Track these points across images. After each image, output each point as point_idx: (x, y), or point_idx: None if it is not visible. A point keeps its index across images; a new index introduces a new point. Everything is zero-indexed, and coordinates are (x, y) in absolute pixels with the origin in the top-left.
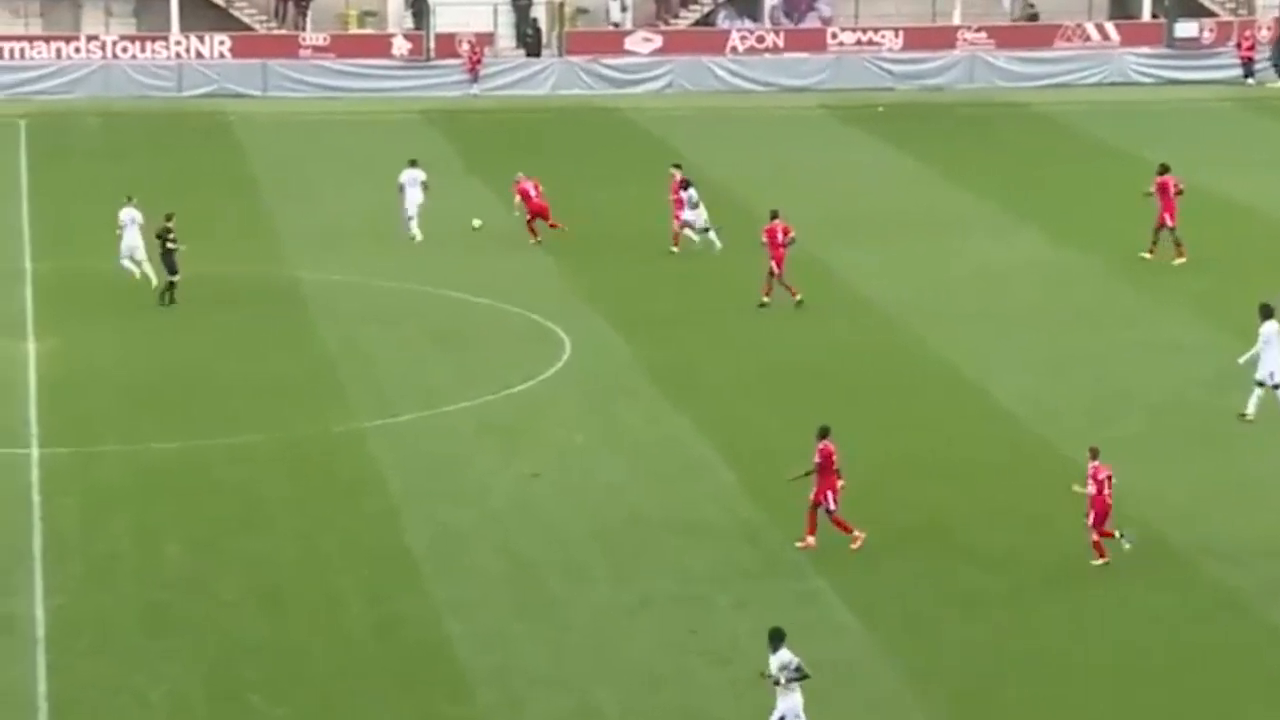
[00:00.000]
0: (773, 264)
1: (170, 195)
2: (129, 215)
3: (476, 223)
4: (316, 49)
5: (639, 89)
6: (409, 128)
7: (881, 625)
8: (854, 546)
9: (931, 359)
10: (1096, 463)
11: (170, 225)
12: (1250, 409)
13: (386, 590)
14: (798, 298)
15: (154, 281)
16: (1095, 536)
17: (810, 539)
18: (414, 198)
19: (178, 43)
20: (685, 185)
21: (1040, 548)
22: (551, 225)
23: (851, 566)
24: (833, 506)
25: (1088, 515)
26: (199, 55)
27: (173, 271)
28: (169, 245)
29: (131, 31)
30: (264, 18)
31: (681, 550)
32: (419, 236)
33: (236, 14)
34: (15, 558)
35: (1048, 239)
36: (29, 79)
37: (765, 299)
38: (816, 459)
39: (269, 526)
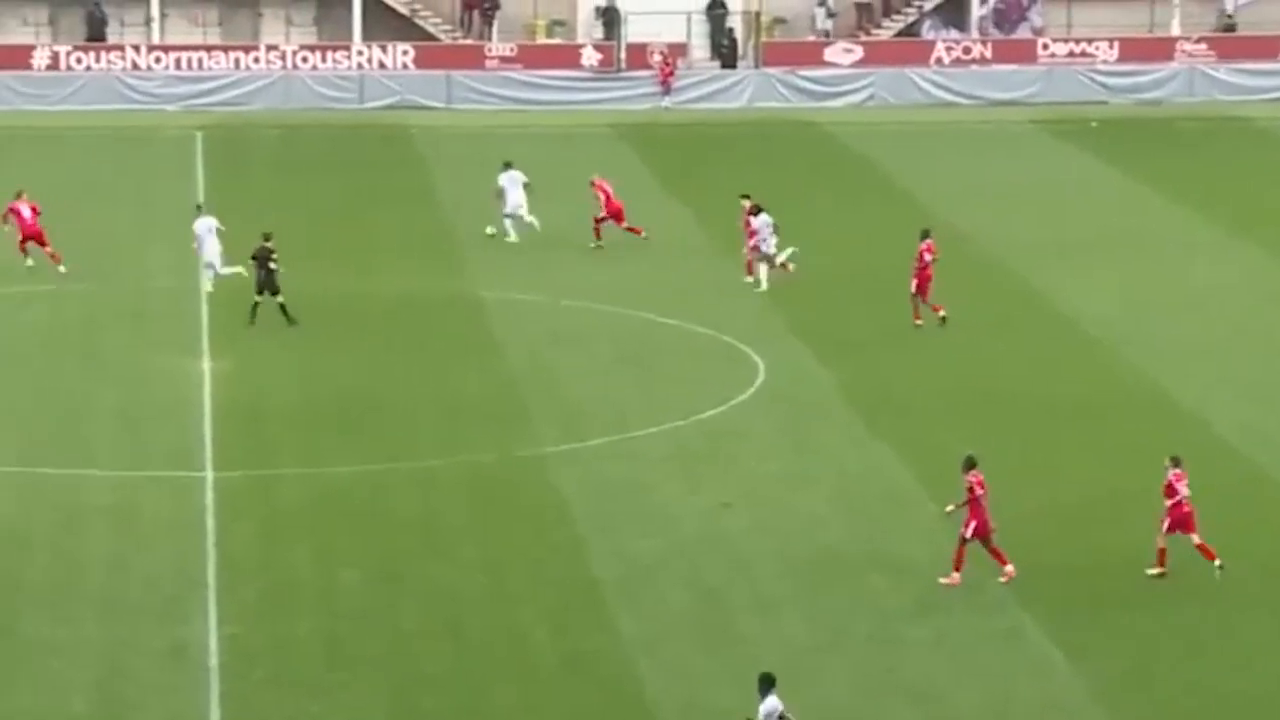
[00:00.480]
0: (914, 283)
1: (350, 210)
2: (206, 225)
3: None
4: (503, 60)
5: (838, 102)
6: (597, 141)
7: (1092, 664)
8: (1002, 580)
9: (1144, 384)
10: (1177, 470)
11: (270, 245)
12: None
13: (571, 622)
14: (941, 314)
15: (245, 272)
16: (1161, 544)
17: (955, 575)
18: (515, 200)
19: (359, 53)
20: (756, 212)
21: (1267, 586)
22: (630, 230)
23: (1058, 602)
24: (974, 536)
25: (1162, 521)
26: (381, 66)
27: (275, 292)
28: (271, 266)
29: (312, 41)
30: (449, 27)
31: (878, 585)
32: (514, 237)
33: (420, 23)
34: (189, 584)
35: (1270, 260)
36: (206, 90)
37: (918, 321)
38: (971, 491)
39: (450, 554)
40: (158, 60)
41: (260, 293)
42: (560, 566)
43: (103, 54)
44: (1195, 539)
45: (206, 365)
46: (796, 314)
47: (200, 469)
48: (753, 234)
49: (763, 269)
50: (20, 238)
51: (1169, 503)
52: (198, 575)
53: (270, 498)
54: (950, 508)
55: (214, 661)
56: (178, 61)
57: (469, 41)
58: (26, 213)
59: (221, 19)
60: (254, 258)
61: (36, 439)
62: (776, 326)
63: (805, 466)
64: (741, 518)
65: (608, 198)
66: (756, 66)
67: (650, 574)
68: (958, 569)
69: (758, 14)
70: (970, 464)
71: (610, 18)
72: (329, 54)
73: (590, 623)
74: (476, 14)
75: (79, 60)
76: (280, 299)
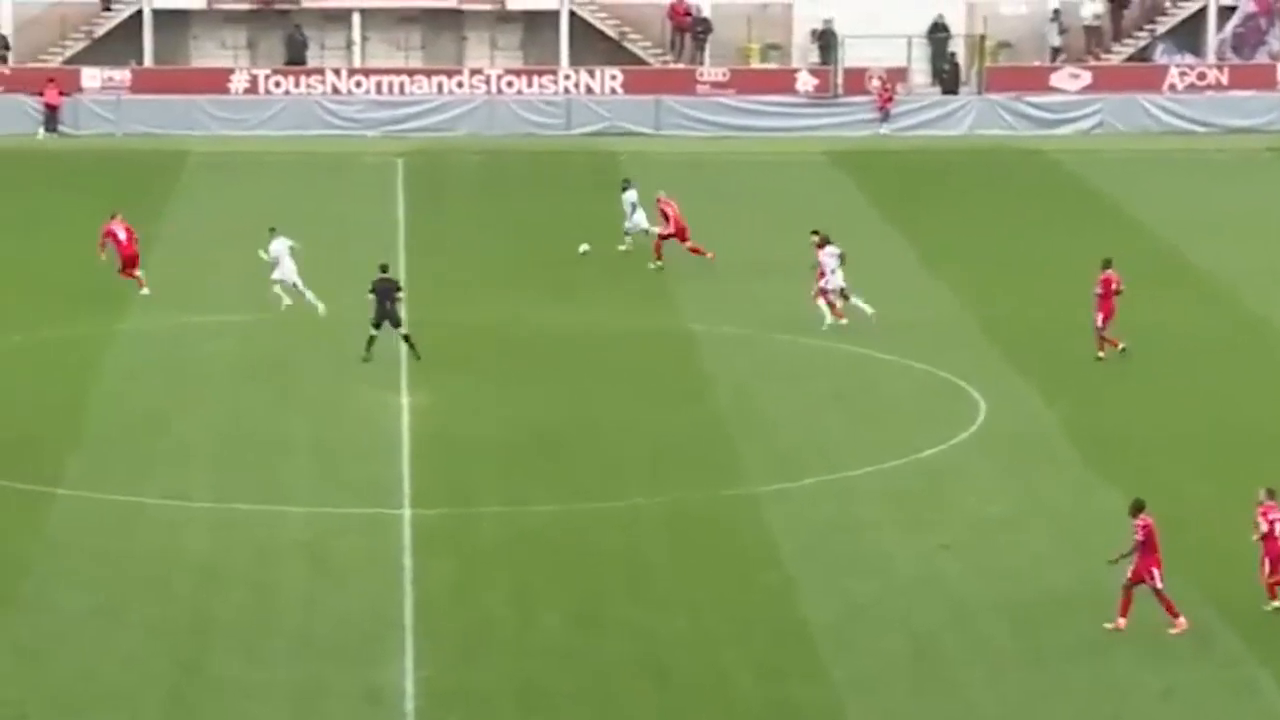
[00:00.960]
0: (1098, 315)
1: (554, 238)
2: (281, 245)
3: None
4: (714, 84)
5: (1065, 129)
6: (812, 169)
7: None
8: (1173, 632)
9: None
10: (1272, 502)
11: (391, 277)
12: None
13: (779, 666)
14: (1120, 347)
15: (320, 309)
16: (1274, 579)
17: (1121, 621)
18: (640, 220)
19: (566, 77)
20: (824, 244)
21: None
22: (693, 250)
23: None
24: (1159, 584)
25: (1261, 562)
26: (589, 90)
27: (396, 324)
28: (397, 298)
29: (517, 65)
30: (658, 50)
31: (1103, 632)
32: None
33: (629, 46)
34: (384, 625)
35: None
36: (408, 115)
37: (1100, 354)
38: (1139, 535)
39: (654, 596)
40: (358, 84)
41: (378, 325)
42: (768, 609)
43: (302, 78)
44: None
45: (405, 399)
46: (1018, 348)
47: (398, 506)
48: (822, 273)
49: (822, 303)
50: (119, 264)
51: (1263, 533)
52: (394, 616)
53: (469, 536)
54: (1115, 557)
55: (410, 706)
56: (379, 86)
57: (679, 65)
58: (122, 235)
59: (424, 42)
60: (374, 291)
61: (231, 474)
62: (997, 361)
63: (1027, 507)
64: (960, 560)
65: (673, 217)
66: (979, 92)
67: (863, 618)
68: (1123, 615)
69: (982, 37)
70: (1138, 508)
71: (827, 41)
72: (535, 78)
73: (798, 667)
74: (688, 37)
75: (277, 84)
76: (403, 330)
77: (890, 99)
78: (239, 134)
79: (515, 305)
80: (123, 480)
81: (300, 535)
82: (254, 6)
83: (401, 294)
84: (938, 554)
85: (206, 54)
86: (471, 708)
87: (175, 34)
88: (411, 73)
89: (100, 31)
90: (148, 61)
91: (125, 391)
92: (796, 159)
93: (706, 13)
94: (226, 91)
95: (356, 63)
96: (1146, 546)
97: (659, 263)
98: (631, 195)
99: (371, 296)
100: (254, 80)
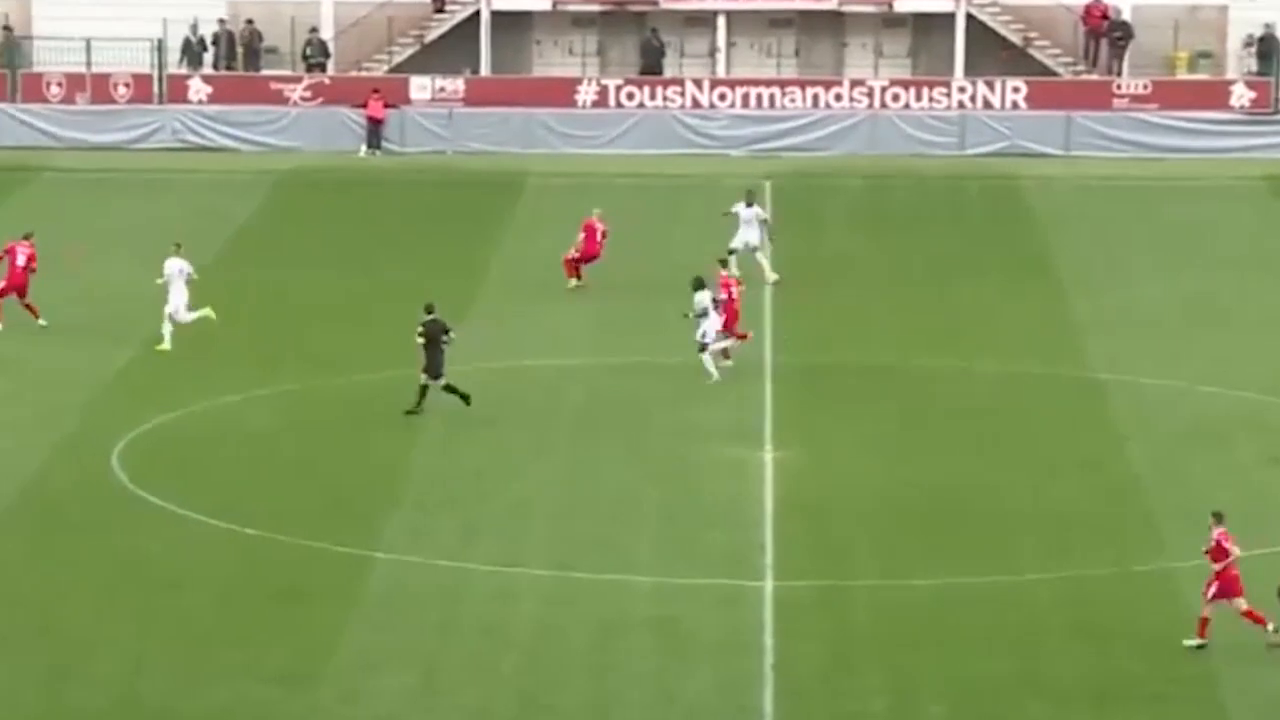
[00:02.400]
0: None
1: (943, 275)
2: (177, 266)
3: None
4: (1134, 98)
5: None
6: (1250, 198)
7: None
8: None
9: None
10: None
11: (439, 318)
12: None
13: None
14: None
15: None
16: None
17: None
18: (748, 236)
19: (961, 89)
20: None
21: None
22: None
23: None
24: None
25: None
26: (986, 105)
27: (438, 373)
28: (445, 342)
29: (905, 76)
30: (1069, 60)
31: None
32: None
33: (1035, 54)
34: (741, 714)
35: None
36: (779, 132)
37: None
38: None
39: (1052, 686)
40: (722, 97)
41: (434, 375)
42: (1186, 700)
43: (658, 89)
44: (1243, 604)
45: (768, 455)
46: None
47: (758, 577)
48: None
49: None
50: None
51: (1217, 566)
52: (752, 703)
53: (840, 613)
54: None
55: None
56: (745, 99)
57: (1094, 77)
58: (21, 259)
59: (798, 49)
60: (423, 334)
61: (570, 538)
62: None
63: None
64: None
65: (590, 237)
66: None
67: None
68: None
69: None
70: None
71: (1267, 48)
72: (924, 91)
73: None
74: (1104, 43)
75: (630, 96)
76: (444, 380)
77: None
78: (585, 152)
79: (896, 348)
80: (448, 544)
81: (647, 610)
82: (605, 8)
83: (451, 336)
84: None
85: (550, 62)
86: None
87: (516, 39)
88: (783, 84)
89: (431, 36)
90: (484, 70)
91: (452, 443)
92: (1231, 185)
93: (1126, 16)
94: (573, 104)
95: (720, 72)
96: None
97: (579, 282)
98: (750, 211)
99: (420, 341)
100: (603, 92)
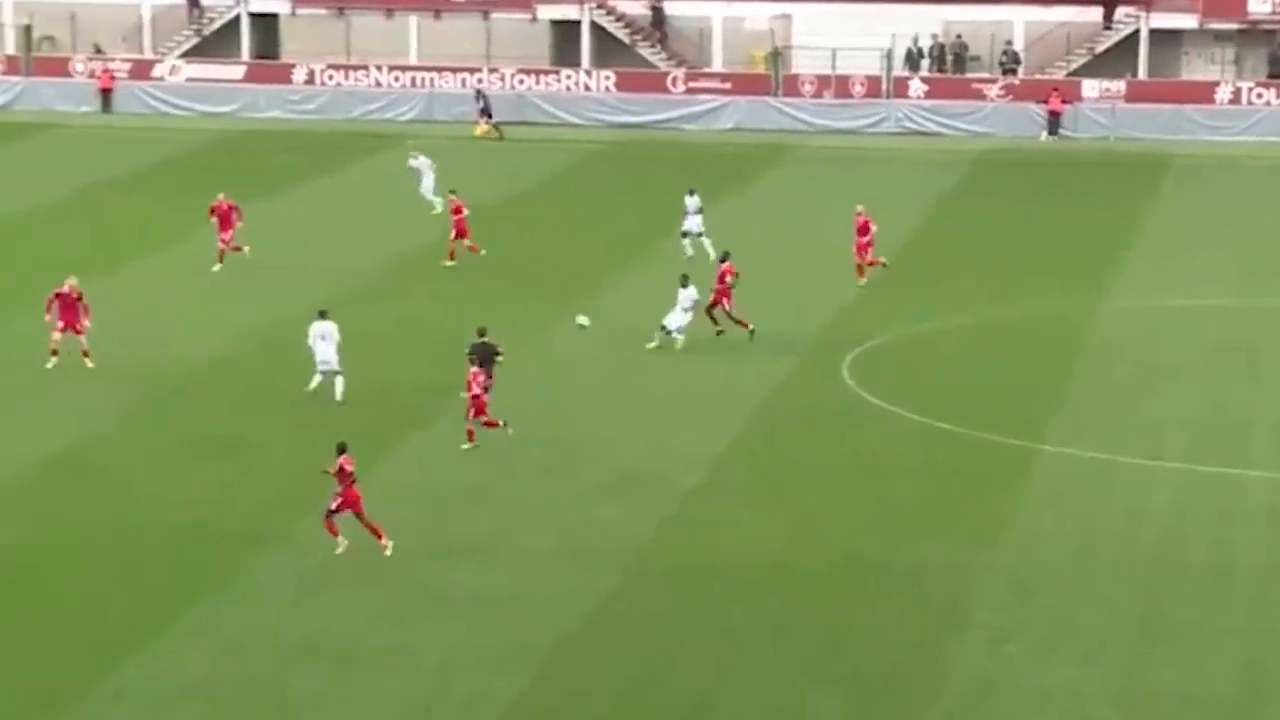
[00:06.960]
0: None
1: None
2: (320, 330)
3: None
4: None
5: None
6: None
7: None
8: None
9: None
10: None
11: (491, 340)
12: None
13: None
14: None
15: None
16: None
17: None
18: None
19: None
20: None
21: None
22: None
23: None
24: None
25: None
26: None
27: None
28: (498, 360)
29: None
30: None
31: None
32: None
33: None
34: None
35: None
36: None
37: None
38: None
39: None
40: None
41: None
42: None
43: None
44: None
45: None
46: None
47: None
48: None
49: None
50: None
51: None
52: None
53: None
54: None
55: None
56: None
57: None
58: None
59: (1237, 56)
60: (474, 355)
61: (1199, 440)
62: None
63: None
64: None
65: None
66: None
67: None
68: None
69: None
70: None
71: None
72: None
73: None
74: None
75: (1259, 95)
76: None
77: None
78: (1222, 139)
79: None
80: (1100, 441)
81: (1262, 499)
82: (1242, 26)
83: (502, 357)
84: None
85: (1196, 68)
86: None
87: (1168, 50)
88: None
89: (1100, 48)
90: (1141, 74)
91: (1105, 363)
92: None
93: None
94: (1213, 102)
95: None
96: None
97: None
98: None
99: (471, 359)
100: (1238, 92)
